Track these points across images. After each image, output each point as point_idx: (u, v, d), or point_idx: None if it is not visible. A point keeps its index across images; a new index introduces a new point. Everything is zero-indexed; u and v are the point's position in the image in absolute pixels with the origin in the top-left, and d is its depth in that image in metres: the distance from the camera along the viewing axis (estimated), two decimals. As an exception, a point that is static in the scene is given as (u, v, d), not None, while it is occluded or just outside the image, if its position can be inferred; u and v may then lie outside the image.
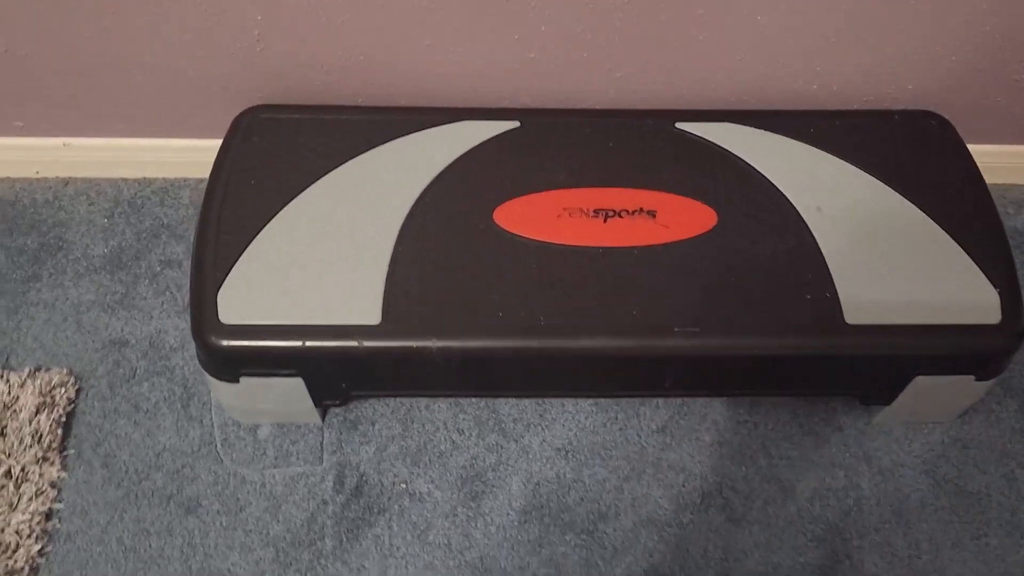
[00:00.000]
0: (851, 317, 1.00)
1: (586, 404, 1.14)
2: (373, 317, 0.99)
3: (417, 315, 1.00)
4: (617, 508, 1.07)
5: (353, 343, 0.99)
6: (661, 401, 1.14)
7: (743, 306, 1.01)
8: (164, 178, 1.33)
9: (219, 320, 0.99)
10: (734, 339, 1.01)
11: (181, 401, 1.14)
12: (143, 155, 1.30)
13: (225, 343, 0.99)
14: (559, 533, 1.06)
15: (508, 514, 1.07)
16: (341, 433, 1.12)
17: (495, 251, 1.04)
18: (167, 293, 1.21)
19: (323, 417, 1.12)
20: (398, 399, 1.13)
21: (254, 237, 1.04)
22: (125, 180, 1.32)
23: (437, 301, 1.00)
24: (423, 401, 1.14)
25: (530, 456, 1.11)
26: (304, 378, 1.03)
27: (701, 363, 1.03)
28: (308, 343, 0.98)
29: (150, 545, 1.05)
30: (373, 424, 1.12)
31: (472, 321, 1.00)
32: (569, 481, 1.09)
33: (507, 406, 1.14)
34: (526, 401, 1.14)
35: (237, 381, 1.03)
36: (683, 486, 1.09)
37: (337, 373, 1.03)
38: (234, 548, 1.05)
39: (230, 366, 1.01)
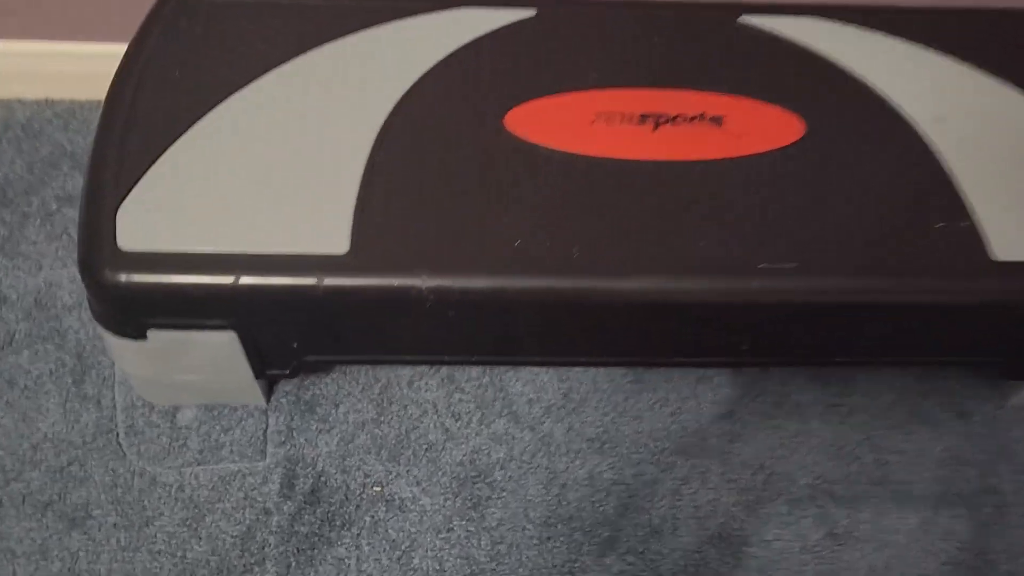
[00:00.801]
0: (1000, 251, 0.73)
1: (625, 381, 0.85)
2: (339, 244, 0.70)
3: (400, 242, 0.71)
4: (675, 520, 0.78)
5: (309, 280, 0.69)
6: (724, 378, 0.86)
7: (850, 237, 0.74)
8: (72, 100, 1.03)
9: (116, 246, 0.69)
10: (844, 279, 0.72)
11: (73, 375, 0.84)
12: (44, 65, 1.01)
13: (124, 277, 0.69)
14: (595, 555, 0.77)
15: (524, 528, 0.78)
16: (292, 418, 0.82)
17: (507, 163, 0.75)
18: (64, 237, 0.91)
19: (267, 395, 0.83)
20: (371, 369, 0.83)
21: (174, 140, 0.74)
22: (21, 101, 1.03)
23: (427, 225, 0.71)
24: (405, 374, 0.84)
25: (552, 449, 0.82)
26: (239, 332, 0.73)
27: (794, 315, 0.75)
28: (244, 279, 0.69)
29: (14, 572, 0.74)
30: (336, 406, 0.83)
31: (477, 251, 0.71)
32: (607, 484, 0.80)
33: (519, 382, 0.85)
34: (544, 376, 0.85)
35: (144, 337, 0.73)
36: (762, 490, 0.81)
37: (286, 326, 0.73)
38: (135, 577, 0.75)
39: (132, 313, 0.71)
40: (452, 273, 0.70)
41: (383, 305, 0.71)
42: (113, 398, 0.82)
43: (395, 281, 0.69)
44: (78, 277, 0.77)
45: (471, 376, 0.85)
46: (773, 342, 0.78)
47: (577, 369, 0.86)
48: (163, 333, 0.72)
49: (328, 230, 0.70)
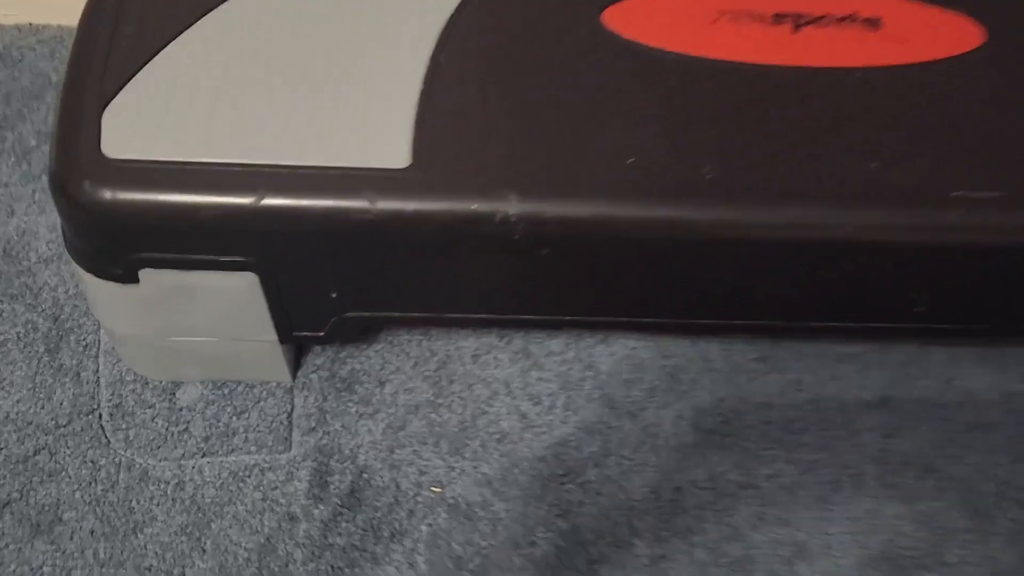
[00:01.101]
0: None
1: (746, 359, 0.66)
2: (396, 156, 0.53)
3: (478, 155, 0.53)
4: (825, 537, 0.59)
5: (358, 202, 0.52)
6: (874, 356, 0.68)
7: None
8: (59, 25, 0.87)
9: (100, 152, 0.52)
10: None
11: (46, 342, 0.66)
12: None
13: (109, 193, 0.51)
14: (725, 571, 0.59)
15: (630, 544, 0.60)
16: (325, 398, 0.65)
17: (609, 66, 0.58)
18: (43, 178, 0.74)
19: (293, 369, 0.65)
20: (426, 340, 0.65)
21: (185, 26, 0.58)
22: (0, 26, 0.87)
23: (512, 135, 0.54)
24: (468, 346, 0.66)
25: (659, 442, 0.64)
26: (261, 275, 0.56)
27: (995, 262, 0.57)
28: (269, 199, 0.52)
29: (-44, 594, 0.57)
30: (382, 384, 0.65)
31: (579, 170, 0.54)
32: (732, 488, 0.62)
33: (611, 358, 0.67)
34: (641, 351, 0.66)
35: (135, 279, 0.56)
36: (933, 499, 0.62)
37: (324, 267, 0.56)
38: (116, 602, 0.57)
39: (121, 244, 0.54)
40: (550, 196, 0.53)
41: (455, 239, 0.53)
42: (96, 370, 0.65)
43: (473, 205, 0.52)
44: (59, 225, 0.60)
45: (551, 350, 0.67)
46: (962, 302, 0.60)
47: (683, 342, 0.68)
48: (160, 274, 0.54)
49: (382, 138, 0.53)
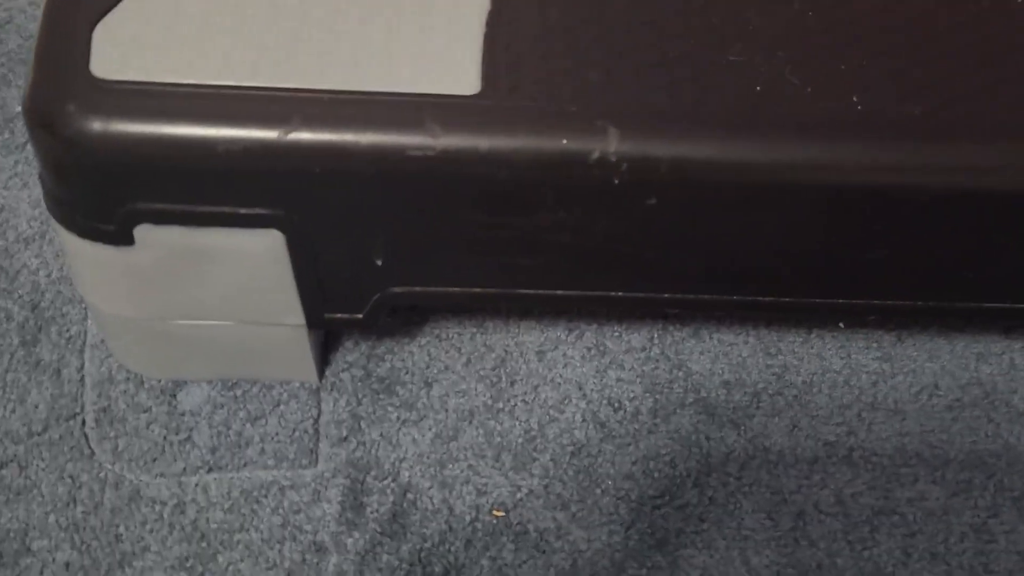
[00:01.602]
0: None
1: (868, 357, 0.55)
2: (462, 79, 0.42)
3: (568, 79, 0.43)
4: (988, 572, 0.48)
5: (415, 137, 0.41)
6: (1019, 356, 0.56)
7: None
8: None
9: (89, 73, 0.42)
10: None
11: (21, 333, 0.55)
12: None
13: (99, 124, 0.40)
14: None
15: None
16: (360, 401, 0.53)
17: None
18: (27, 148, 0.64)
19: (320, 366, 0.54)
20: (481, 334, 0.54)
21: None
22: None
23: (611, 55, 0.43)
24: (532, 341, 0.55)
25: (773, 458, 0.51)
26: (288, 233, 0.44)
27: None
28: (300, 133, 0.41)
29: None
30: (428, 385, 0.54)
31: (695, 101, 0.43)
32: (868, 513, 0.50)
33: (704, 356, 0.54)
34: (741, 349, 0.55)
35: (129, 239, 0.44)
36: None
37: (371, 223, 0.44)
38: (95, 655, 0.45)
39: (112, 191, 0.42)
40: (660, 133, 0.42)
41: (538, 185, 0.42)
42: (81, 367, 0.53)
43: (563, 140, 0.41)
44: (43, 201, 0.49)
45: (631, 345, 0.55)
46: None
47: (791, 339, 0.56)
48: (162, 232, 0.43)
49: (445, 57, 0.42)
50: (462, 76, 0.42)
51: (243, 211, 0.42)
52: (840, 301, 0.49)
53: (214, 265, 0.45)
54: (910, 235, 0.45)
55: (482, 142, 0.41)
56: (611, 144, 0.41)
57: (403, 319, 0.56)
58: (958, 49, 0.44)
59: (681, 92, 0.42)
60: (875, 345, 0.57)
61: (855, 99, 0.43)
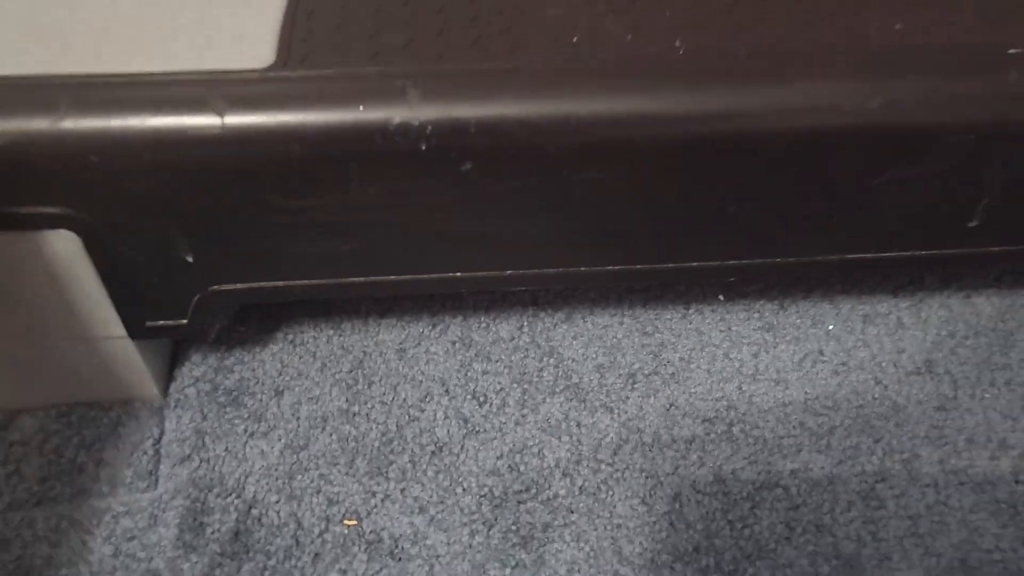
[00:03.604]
0: None
1: (749, 328, 0.53)
2: (255, 54, 0.40)
3: (365, 44, 0.40)
4: (877, 543, 0.44)
5: (201, 118, 0.38)
6: (906, 314, 0.54)
7: None
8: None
9: None
10: None
11: None
12: None
13: None
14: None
15: (616, 574, 0.45)
16: (204, 417, 0.49)
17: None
18: None
19: (164, 382, 0.50)
20: (337, 335, 0.50)
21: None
22: None
23: (412, 15, 0.41)
24: (392, 340, 0.52)
25: (647, 439, 0.49)
26: (83, 233, 0.41)
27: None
28: (73, 120, 0.38)
29: None
30: (279, 394, 0.50)
31: (506, 56, 0.40)
32: (749, 489, 0.47)
33: (576, 341, 0.52)
34: (616, 330, 0.52)
35: (-92, 253, 0.42)
36: (1015, 482, 0.48)
37: (167, 217, 0.40)
38: None
39: None
40: (466, 92, 0.39)
41: (342, 160, 0.39)
42: (-96, 405, 0.50)
43: (360, 110, 0.38)
44: None
45: (499, 336, 0.52)
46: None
47: (669, 317, 0.53)
48: (-58, 242, 0.40)
49: (234, 31, 0.40)
50: (254, 49, 0.39)
51: (27, 210, 0.39)
52: (697, 264, 0.46)
53: (12, 274, 0.41)
54: (755, 184, 0.42)
55: (272, 118, 0.38)
56: (413, 108, 0.38)
57: (254, 327, 0.53)
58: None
59: (490, 48, 0.40)
60: (756, 315, 0.54)
61: (677, 42, 0.41)
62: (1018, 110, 0.40)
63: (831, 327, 0.52)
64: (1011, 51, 0.40)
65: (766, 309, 0.54)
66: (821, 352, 0.52)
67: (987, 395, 0.50)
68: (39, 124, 0.37)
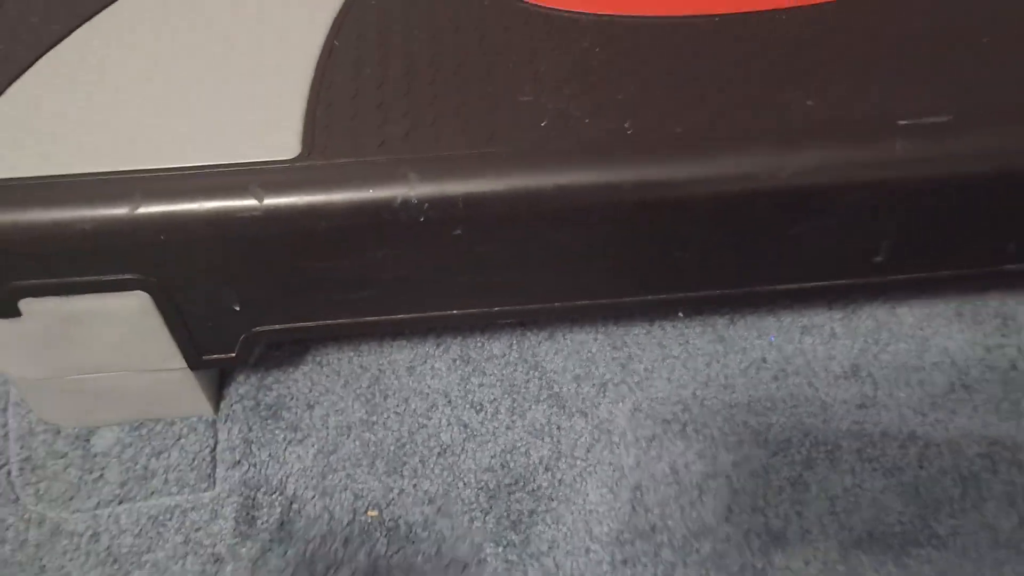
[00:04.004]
0: None
1: (704, 341, 0.63)
2: (285, 146, 0.49)
3: (376, 135, 0.50)
4: (802, 521, 0.55)
5: (243, 200, 0.48)
6: (839, 325, 0.63)
7: (1016, 82, 0.52)
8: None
9: (-36, 174, 0.49)
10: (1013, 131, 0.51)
11: (-49, 399, 0.62)
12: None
13: (-27, 218, 0.48)
14: (696, 568, 0.54)
15: (588, 551, 0.55)
16: (250, 428, 0.60)
17: (520, 32, 0.55)
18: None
19: (216, 401, 0.61)
20: (357, 356, 0.61)
21: (53, 44, 0.55)
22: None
23: (411, 111, 0.50)
24: (403, 359, 0.62)
25: (615, 439, 0.59)
26: (152, 292, 0.51)
27: (956, 191, 0.52)
28: (145, 207, 0.48)
29: None
30: (311, 407, 0.61)
31: (487, 141, 0.50)
32: (699, 478, 0.57)
33: (558, 355, 0.62)
34: (591, 346, 0.62)
35: (16, 312, 0.52)
36: (919, 468, 0.58)
37: (218, 277, 0.51)
38: (25, 671, 0.52)
39: (-6, 275, 0.50)
40: (454, 173, 0.49)
41: (356, 231, 0.49)
42: (4, 424, 0.60)
43: (370, 190, 0.48)
44: None
45: (492, 353, 0.62)
46: (921, 243, 0.55)
47: (636, 332, 0.63)
48: (43, 303, 0.50)
49: (269, 129, 0.49)
50: (284, 143, 0.49)
51: (109, 278, 0.49)
52: (652, 298, 0.55)
53: (95, 327, 0.52)
54: (693, 235, 0.52)
55: (301, 199, 0.48)
56: (412, 188, 0.48)
57: (287, 351, 0.63)
58: (711, 74, 0.51)
59: (474, 134, 0.49)
60: (710, 329, 0.63)
61: (627, 124, 0.50)
62: (904, 171, 0.49)
63: (773, 338, 0.62)
64: (900, 122, 0.49)
65: (718, 323, 0.63)
66: (764, 360, 0.61)
67: (902, 394, 0.60)
68: (119, 211, 0.46)
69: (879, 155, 0.49)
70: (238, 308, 0.52)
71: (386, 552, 0.54)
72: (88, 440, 0.59)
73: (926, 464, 0.57)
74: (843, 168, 0.50)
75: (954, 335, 0.62)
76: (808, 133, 0.50)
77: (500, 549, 0.54)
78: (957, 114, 0.49)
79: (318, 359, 0.62)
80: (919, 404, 0.59)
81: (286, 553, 0.54)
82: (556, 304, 0.55)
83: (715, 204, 0.50)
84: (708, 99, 0.51)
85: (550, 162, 0.49)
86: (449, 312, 0.54)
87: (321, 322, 0.54)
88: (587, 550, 0.54)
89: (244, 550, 0.54)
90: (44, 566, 0.54)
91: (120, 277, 0.49)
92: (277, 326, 0.54)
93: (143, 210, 0.47)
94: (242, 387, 0.61)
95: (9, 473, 0.58)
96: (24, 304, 0.50)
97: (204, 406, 0.59)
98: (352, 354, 0.62)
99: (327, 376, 0.61)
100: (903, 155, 0.49)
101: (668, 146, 0.49)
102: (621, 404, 0.60)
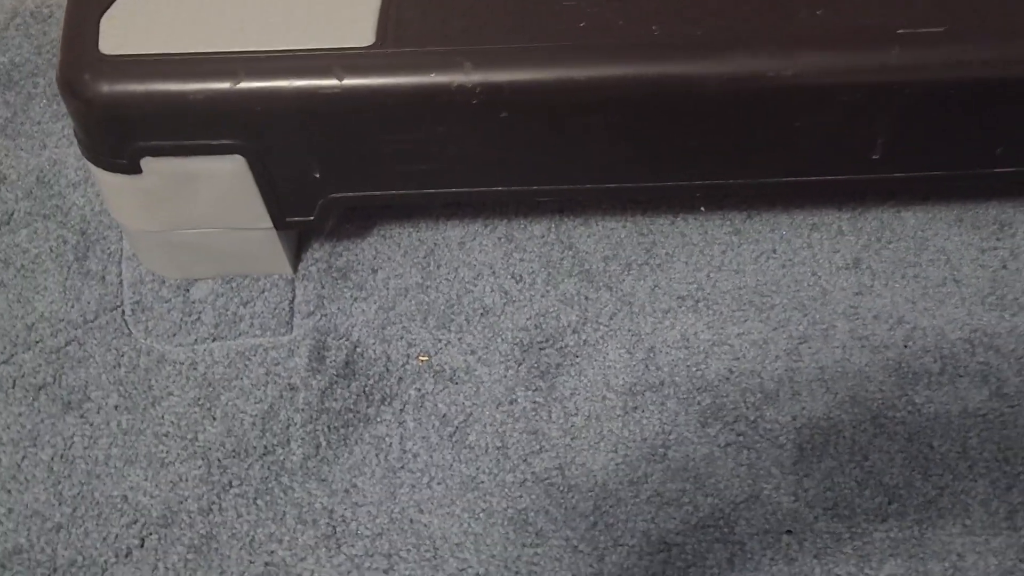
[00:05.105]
0: None
1: (721, 232, 0.70)
2: (361, 36, 0.58)
3: (436, 30, 0.58)
4: (793, 384, 0.63)
5: (325, 80, 0.57)
6: (846, 223, 0.70)
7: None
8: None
9: (99, 51, 0.58)
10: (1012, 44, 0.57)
11: (75, 252, 0.73)
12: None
13: (107, 86, 0.57)
14: (694, 425, 0.62)
15: (603, 398, 0.64)
16: (323, 286, 0.70)
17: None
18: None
19: (294, 263, 0.71)
20: (415, 231, 0.70)
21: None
22: (32, -9, 0.94)
23: (468, 11, 0.58)
24: (455, 235, 0.71)
25: (635, 309, 0.67)
26: (247, 156, 0.61)
27: (946, 96, 0.59)
28: (245, 83, 0.57)
29: None
30: (374, 272, 0.70)
31: (530, 37, 0.58)
32: (705, 345, 0.65)
33: (591, 238, 0.70)
34: (620, 232, 0.70)
35: (138, 169, 0.62)
36: (903, 347, 0.65)
37: (302, 146, 0.60)
38: (137, 462, 0.62)
39: (121, 134, 0.60)
40: (502, 64, 0.57)
41: (419, 109, 0.57)
42: (119, 274, 0.71)
43: (431, 76, 0.56)
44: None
45: (533, 234, 0.71)
46: (915, 144, 0.61)
47: (661, 222, 0.71)
48: (160, 162, 0.60)
49: (348, 20, 0.58)
50: (361, 33, 0.57)
51: (213, 143, 0.59)
52: (672, 183, 0.63)
53: (200, 184, 0.61)
54: (707, 126, 0.59)
55: (374, 81, 0.56)
56: (467, 75, 0.56)
57: (356, 225, 0.72)
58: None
59: (521, 31, 0.57)
60: (728, 223, 0.71)
61: (654, 28, 0.57)
62: (899, 75, 0.56)
63: (784, 232, 0.69)
64: (899, 31, 0.56)
65: (736, 218, 0.70)
66: (774, 251, 0.69)
67: (897, 285, 0.67)
68: (224, 85, 0.56)
69: (876, 60, 0.56)
70: (318, 175, 0.61)
71: (432, 389, 0.64)
72: (187, 290, 0.70)
73: (910, 344, 0.64)
74: (843, 70, 0.56)
75: (952, 237, 0.68)
76: (813, 37, 0.56)
77: (530, 392, 0.63)
78: (950, 26, 0.56)
79: (382, 232, 0.71)
80: (911, 294, 0.66)
81: (349, 385, 0.64)
82: (587, 186, 0.63)
83: (726, 98, 0.57)
84: (726, 7, 0.57)
85: (585, 57, 0.57)
86: (495, 188, 0.63)
87: (386, 192, 0.63)
88: (603, 397, 0.63)
89: (315, 382, 0.64)
90: (151, 386, 0.65)
91: (222, 142, 0.59)
92: (350, 193, 0.63)
93: (243, 85, 0.56)
94: (317, 252, 0.70)
95: (123, 313, 0.69)
96: (144, 163, 0.60)
97: (285, 266, 0.69)
98: (411, 229, 0.71)
99: (389, 246, 0.70)
100: (898, 61, 0.56)
101: (689, 46, 0.56)
102: (643, 281, 0.68)
